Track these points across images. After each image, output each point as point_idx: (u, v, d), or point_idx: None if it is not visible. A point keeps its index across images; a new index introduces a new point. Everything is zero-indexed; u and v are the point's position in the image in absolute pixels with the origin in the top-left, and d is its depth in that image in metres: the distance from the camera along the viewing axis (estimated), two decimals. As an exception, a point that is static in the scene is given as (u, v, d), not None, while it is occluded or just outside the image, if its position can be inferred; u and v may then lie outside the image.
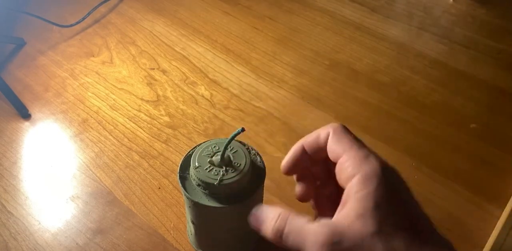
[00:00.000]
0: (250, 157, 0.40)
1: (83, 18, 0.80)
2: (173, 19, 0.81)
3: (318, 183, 0.35)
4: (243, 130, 0.36)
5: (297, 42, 0.77)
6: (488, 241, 0.51)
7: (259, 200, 0.45)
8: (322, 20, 0.81)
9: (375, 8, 0.84)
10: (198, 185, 0.39)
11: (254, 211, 0.30)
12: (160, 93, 0.68)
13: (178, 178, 0.40)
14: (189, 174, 0.40)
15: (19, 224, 0.52)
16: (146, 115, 0.65)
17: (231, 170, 0.38)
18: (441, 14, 0.83)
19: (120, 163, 0.59)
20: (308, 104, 0.66)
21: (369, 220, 0.24)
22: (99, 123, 0.64)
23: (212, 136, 0.62)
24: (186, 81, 0.70)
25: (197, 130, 0.63)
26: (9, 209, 0.54)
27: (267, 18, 0.81)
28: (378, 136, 0.62)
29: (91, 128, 0.63)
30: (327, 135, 0.31)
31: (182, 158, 0.42)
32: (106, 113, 0.65)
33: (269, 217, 0.28)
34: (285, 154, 0.34)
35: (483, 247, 0.51)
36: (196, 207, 0.40)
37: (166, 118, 0.64)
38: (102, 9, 0.83)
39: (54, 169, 0.58)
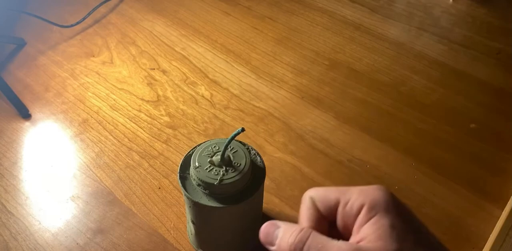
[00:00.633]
0: (250, 157, 0.40)
1: (83, 18, 0.80)
2: (173, 19, 0.81)
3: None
4: (243, 130, 0.36)
5: (297, 42, 0.77)
6: (488, 241, 0.52)
7: (259, 200, 0.46)
8: (322, 20, 0.81)
9: (375, 8, 0.84)
10: (198, 185, 0.39)
11: (263, 227, 0.29)
12: (160, 93, 0.68)
13: (178, 178, 0.40)
14: (189, 174, 0.40)
15: (19, 224, 0.53)
16: (146, 115, 0.65)
17: (231, 170, 0.38)
18: (441, 14, 0.83)
19: (120, 163, 0.59)
20: (308, 104, 0.66)
21: (389, 239, 0.24)
22: (99, 124, 0.64)
23: (212, 136, 0.62)
24: (186, 82, 0.70)
25: (197, 130, 0.63)
26: (9, 209, 0.54)
27: (267, 18, 0.82)
28: (378, 136, 0.62)
29: (92, 128, 0.63)
30: (361, 206, 0.26)
31: (182, 158, 0.42)
32: (107, 114, 0.65)
33: (289, 231, 0.27)
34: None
35: (482, 247, 0.51)
36: (196, 207, 0.40)
37: (166, 119, 0.64)
38: (102, 9, 0.83)
39: (54, 169, 0.58)
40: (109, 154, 0.60)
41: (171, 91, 0.68)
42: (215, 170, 0.38)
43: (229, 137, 0.37)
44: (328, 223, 0.28)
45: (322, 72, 0.72)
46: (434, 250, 0.25)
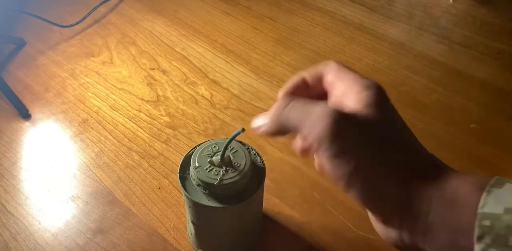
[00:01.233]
0: (250, 157, 0.40)
1: (83, 18, 0.80)
2: (173, 19, 0.81)
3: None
4: (243, 130, 0.36)
5: (297, 42, 0.77)
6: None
7: (259, 200, 0.46)
8: (322, 20, 0.81)
9: (375, 8, 0.84)
10: (198, 185, 0.39)
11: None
12: (160, 93, 0.68)
13: (178, 178, 0.40)
14: (189, 174, 0.40)
15: (19, 224, 0.53)
16: (146, 115, 0.65)
17: (231, 170, 0.38)
18: (441, 14, 0.83)
19: (120, 163, 0.59)
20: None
21: (375, 109, 0.27)
22: (99, 124, 0.64)
23: (212, 136, 0.62)
24: (186, 82, 0.70)
25: (197, 130, 0.63)
26: (9, 209, 0.54)
27: (267, 18, 0.81)
28: (378, 136, 0.62)
29: (91, 128, 0.63)
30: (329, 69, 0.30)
31: (182, 158, 0.42)
32: (106, 114, 0.65)
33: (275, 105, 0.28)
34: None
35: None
36: (196, 207, 0.40)
37: (166, 119, 0.64)
38: (102, 9, 0.83)
39: (54, 169, 0.58)
40: (109, 154, 0.60)
41: (171, 91, 0.68)
42: (215, 170, 0.38)
43: (229, 137, 0.37)
44: (317, 96, 0.30)
45: (322, 72, 0.72)
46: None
